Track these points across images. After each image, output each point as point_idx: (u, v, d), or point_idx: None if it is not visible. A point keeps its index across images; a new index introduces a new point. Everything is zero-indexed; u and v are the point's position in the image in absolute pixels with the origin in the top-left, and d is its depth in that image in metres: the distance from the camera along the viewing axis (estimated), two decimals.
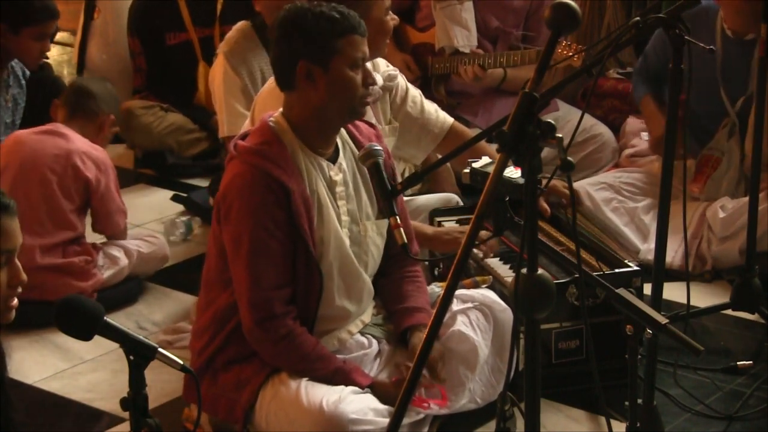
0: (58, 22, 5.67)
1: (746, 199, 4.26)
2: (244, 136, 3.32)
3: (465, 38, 5.22)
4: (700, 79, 4.40)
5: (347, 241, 3.31)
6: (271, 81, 3.88)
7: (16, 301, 2.40)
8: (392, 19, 3.88)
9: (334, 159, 3.33)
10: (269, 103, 3.72)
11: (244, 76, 4.61)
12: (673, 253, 4.39)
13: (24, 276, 2.39)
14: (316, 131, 3.27)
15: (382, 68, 4.08)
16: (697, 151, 4.65)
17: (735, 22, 4.42)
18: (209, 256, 3.38)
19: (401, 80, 4.13)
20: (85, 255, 4.34)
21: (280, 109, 3.31)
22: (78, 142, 4.38)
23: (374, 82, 3.27)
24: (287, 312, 3.22)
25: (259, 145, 3.22)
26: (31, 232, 4.17)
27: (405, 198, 4.21)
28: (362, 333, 3.45)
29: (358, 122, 3.44)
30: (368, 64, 3.97)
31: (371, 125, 3.51)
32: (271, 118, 3.29)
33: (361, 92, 3.23)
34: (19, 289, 2.39)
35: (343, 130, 3.38)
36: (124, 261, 4.46)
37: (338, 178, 3.30)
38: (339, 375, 3.24)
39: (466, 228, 3.87)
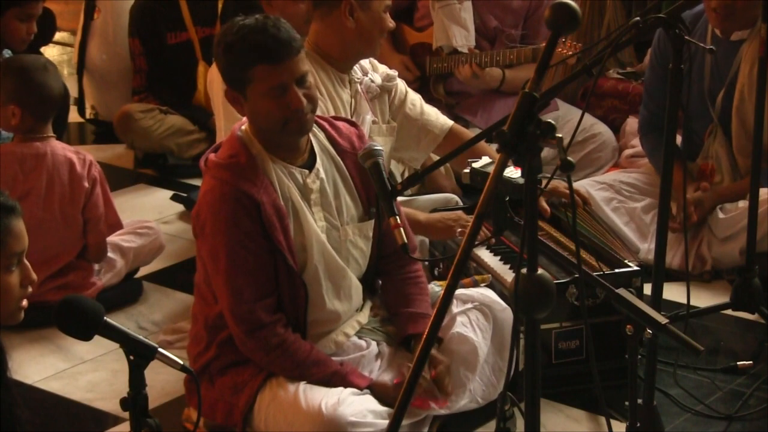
0: (59, 22, 5.70)
1: (746, 200, 4.26)
2: (216, 149, 3.32)
3: (463, 38, 5.22)
4: (691, 81, 4.41)
5: (328, 245, 3.30)
6: None
7: (26, 301, 2.42)
8: (390, 22, 3.89)
9: (310, 165, 3.31)
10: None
11: None
12: (673, 254, 4.39)
13: (34, 275, 2.43)
14: (274, 144, 3.25)
15: (381, 68, 4.09)
16: (694, 156, 4.65)
17: (721, 24, 4.40)
18: (198, 266, 3.38)
19: (400, 83, 4.13)
20: (82, 270, 4.31)
21: None
22: (59, 147, 4.28)
23: (300, 105, 3.13)
24: (275, 320, 3.22)
25: (227, 158, 3.22)
26: (44, 263, 4.15)
27: (405, 198, 4.22)
28: (360, 335, 3.44)
29: (337, 122, 3.43)
30: (367, 64, 4.01)
31: (353, 124, 3.49)
32: (241, 129, 3.28)
33: (282, 117, 3.15)
34: (30, 289, 2.41)
35: (320, 133, 3.36)
36: (120, 262, 4.44)
37: (314, 185, 3.28)
38: (336, 378, 3.24)
39: (460, 215, 3.91)
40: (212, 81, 4.79)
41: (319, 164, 3.31)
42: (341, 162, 3.36)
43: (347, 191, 3.37)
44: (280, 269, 3.21)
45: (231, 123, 4.42)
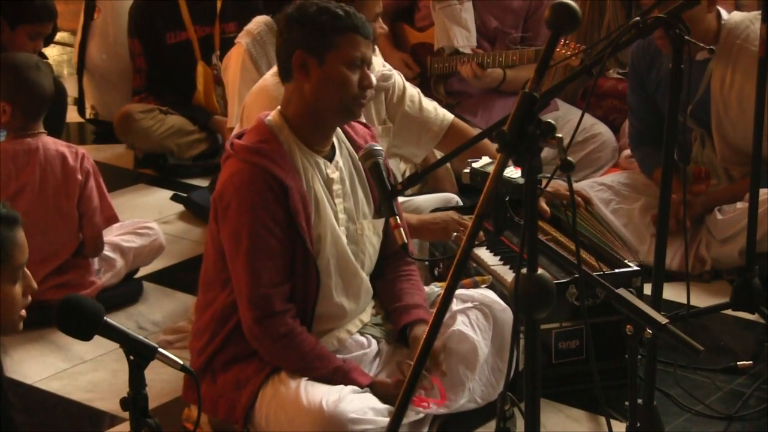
0: (59, 22, 5.69)
1: (745, 201, 4.26)
2: (240, 135, 3.33)
3: (465, 38, 5.22)
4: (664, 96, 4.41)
5: (344, 239, 3.31)
6: (261, 81, 3.89)
7: (24, 311, 2.42)
8: (380, 27, 3.90)
9: (331, 157, 3.34)
10: (258, 102, 3.74)
11: (264, 69, 4.57)
12: (672, 255, 4.39)
13: (35, 284, 2.43)
14: (312, 128, 3.27)
15: (377, 68, 4.08)
16: (689, 160, 4.65)
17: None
18: (207, 256, 3.39)
19: (398, 79, 4.13)
20: (80, 268, 4.30)
21: (278, 107, 3.31)
22: (51, 142, 4.27)
23: (370, 85, 3.26)
24: (286, 309, 3.23)
25: (256, 143, 3.23)
26: (42, 261, 4.15)
27: (405, 198, 4.22)
28: (361, 333, 3.45)
29: (353, 122, 3.45)
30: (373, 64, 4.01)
31: (366, 126, 3.52)
32: (268, 117, 3.29)
33: (354, 92, 3.22)
34: (29, 298, 2.42)
35: (339, 130, 3.38)
36: (120, 262, 4.44)
37: (335, 176, 3.31)
38: (338, 374, 3.24)
39: (451, 214, 3.91)
40: (227, 67, 4.76)
41: (338, 157, 3.34)
42: (357, 159, 3.38)
43: (361, 187, 3.40)
44: (297, 256, 3.22)
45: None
